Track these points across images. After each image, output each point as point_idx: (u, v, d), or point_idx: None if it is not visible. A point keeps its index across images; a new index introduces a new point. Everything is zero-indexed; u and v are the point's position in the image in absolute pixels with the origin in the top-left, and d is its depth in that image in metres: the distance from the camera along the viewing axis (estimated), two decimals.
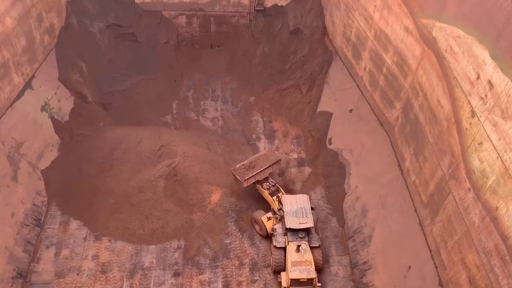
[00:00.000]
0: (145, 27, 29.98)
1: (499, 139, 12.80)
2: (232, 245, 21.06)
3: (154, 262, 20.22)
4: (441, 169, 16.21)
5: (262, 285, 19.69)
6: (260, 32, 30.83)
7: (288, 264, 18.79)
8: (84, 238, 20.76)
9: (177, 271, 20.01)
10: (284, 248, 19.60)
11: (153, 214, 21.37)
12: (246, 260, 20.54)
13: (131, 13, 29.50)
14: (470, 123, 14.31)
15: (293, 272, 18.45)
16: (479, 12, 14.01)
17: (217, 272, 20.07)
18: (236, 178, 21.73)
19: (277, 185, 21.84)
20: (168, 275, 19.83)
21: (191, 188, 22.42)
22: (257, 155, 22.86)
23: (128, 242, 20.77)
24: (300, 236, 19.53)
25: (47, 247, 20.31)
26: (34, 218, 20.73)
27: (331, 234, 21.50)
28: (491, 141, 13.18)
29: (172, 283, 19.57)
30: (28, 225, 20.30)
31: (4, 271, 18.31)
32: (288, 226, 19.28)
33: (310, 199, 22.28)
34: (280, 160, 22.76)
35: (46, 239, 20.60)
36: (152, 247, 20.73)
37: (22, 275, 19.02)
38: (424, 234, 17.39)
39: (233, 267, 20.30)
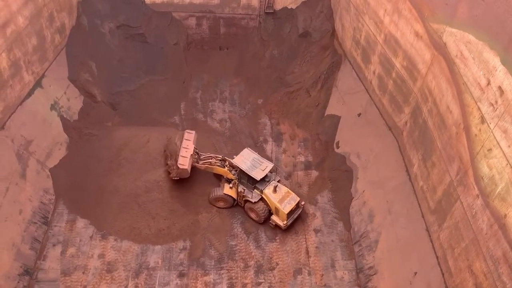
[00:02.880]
0: (155, 28, 30.14)
1: (509, 146, 12.68)
2: (238, 247, 21.05)
3: (160, 262, 20.26)
4: (449, 175, 16.09)
5: None
6: (269, 34, 30.86)
7: (277, 205, 20.85)
8: (91, 237, 20.86)
9: (182, 271, 20.04)
10: (261, 199, 21.37)
11: (159, 215, 21.44)
12: (251, 262, 20.51)
13: (141, 14, 29.69)
14: (480, 129, 14.19)
15: (285, 207, 20.82)
16: (490, 18, 13.91)
17: (222, 273, 20.07)
18: (178, 175, 21.21)
19: (224, 157, 22.51)
20: (173, 275, 19.86)
21: (198, 189, 22.46)
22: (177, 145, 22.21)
23: (134, 242, 20.84)
24: (267, 180, 21.48)
25: (54, 245, 20.43)
26: (41, 216, 20.88)
27: (337, 238, 21.42)
28: (500, 148, 13.06)
29: (177, 283, 19.59)
30: (35, 223, 20.44)
31: (11, 268, 18.44)
32: (258, 179, 20.68)
33: (317, 203, 22.36)
34: (194, 132, 22.60)
35: (53, 237, 20.73)
36: (157, 247, 20.78)
37: (29, 272, 19.15)
38: (431, 240, 17.25)
39: (238, 269, 20.28)
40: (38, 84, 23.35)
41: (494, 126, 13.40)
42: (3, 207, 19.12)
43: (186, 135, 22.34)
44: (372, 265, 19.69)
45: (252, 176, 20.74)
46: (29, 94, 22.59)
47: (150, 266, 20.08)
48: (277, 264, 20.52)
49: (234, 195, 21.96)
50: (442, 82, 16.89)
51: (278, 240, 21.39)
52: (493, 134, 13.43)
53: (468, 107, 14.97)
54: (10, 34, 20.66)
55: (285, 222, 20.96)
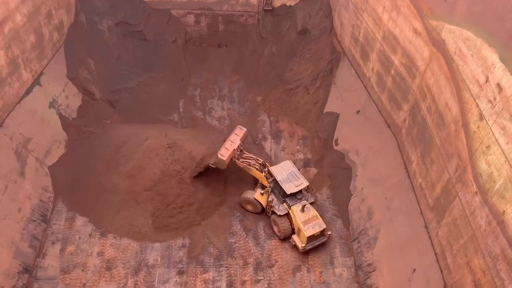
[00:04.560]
0: (153, 25, 30.08)
1: (507, 143, 12.70)
2: (237, 245, 21.08)
3: (159, 260, 20.29)
4: (448, 172, 16.12)
5: (266, 285, 19.69)
6: (268, 32, 30.82)
7: (300, 225, 20.06)
8: (90, 235, 20.88)
9: (182, 269, 20.07)
10: (287, 215, 20.77)
11: (158, 212, 21.45)
12: (251, 260, 20.55)
13: (139, 11, 29.61)
14: (478, 126, 14.21)
15: (308, 230, 19.91)
16: (489, 15, 13.91)
17: (221, 271, 20.10)
18: (215, 164, 21.66)
19: (265, 162, 22.36)
20: (172, 273, 19.89)
21: (197, 188, 22.45)
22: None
23: (133, 240, 20.86)
24: (298, 197, 20.92)
25: (53, 243, 20.45)
26: (40, 214, 20.88)
27: (336, 235, 21.46)
28: (499, 145, 13.08)
29: (176, 281, 19.63)
30: (34, 221, 20.44)
31: (11, 265, 18.45)
32: (289, 192, 20.24)
33: (316, 200, 22.35)
34: (246, 130, 23.14)
35: (52, 235, 20.74)
36: (157, 245, 20.81)
37: (28, 270, 19.17)
38: (430, 237, 17.29)
39: (237, 266, 20.32)
40: (36, 82, 23.30)
41: (493, 123, 13.41)
42: (2, 205, 19.11)
43: (237, 130, 22.90)
44: (371, 262, 19.74)
45: (284, 188, 20.30)
46: (28, 92, 22.54)
47: (149, 264, 20.11)
48: (276, 261, 20.56)
49: (263, 202, 21.55)
50: (440, 79, 16.90)
51: (277, 238, 21.41)
52: (492, 131, 13.45)
53: (466, 104, 14.98)
54: (8, 31, 20.60)
55: (303, 245, 20.12)
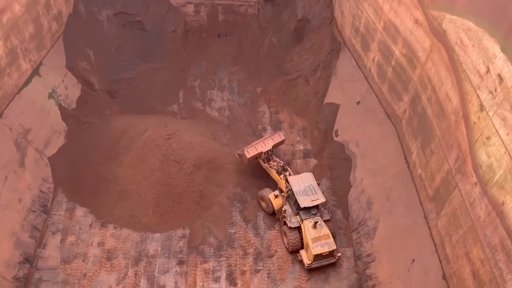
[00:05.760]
0: (152, 15, 29.88)
1: (508, 134, 12.68)
2: (237, 235, 21.16)
3: (159, 250, 20.38)
4: (447, 163, 16.12)
5: (265, 275, 19.80)
6: (268, 22, 30.62)
7: (309, 241, 19.29)
8: (90, 225, 20.94)
9: (182, 259, 20.16)
10: (298, 228, 20.05)
11: (158, 203, 21.50)
12: (250, 250, 20.64)
13: (138, 1, 29.36)
14: (479, 117, 14.18)
15: (316, 248, 19.12)
16: (491, 5, 13.80)
17: (221, 261, 20.20)
18: (239, 155, 22.30)
19: (286, 166, 22.07)
20: (172, 263, 19.99)
21: (198, 178, 22.47)
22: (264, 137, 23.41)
23: (133, 230, 20.93)
24: (313, 212, 19.99)
25: (53, 233, 20.52)
26: (40, 204, 20.93)
27: (335, 226, 21.50)
28: (499, 136, 13.06)
29: (176, 271, 19.73)
30: (34, 211, 20.50)
31: (12, 255, 18.54)
32: (302, 206, 19.51)
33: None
34: (284, 139, 23.30)
35: (52, 225, 20.80)
36: (157, 235, 20.88)
37: (29, 260, 19.27)
38: (429, 228, 17.35)
39: (237, 256, 20.42)
40: (35, 72, 23.20)
41: (493, 114, 13.38)
42: (2, 196, 19.15)
43: (275, 135, 23.03)
44: (370, 253, 19.83)
45: (299, 201, 19.56)
46: (27, 82, 22.46)
47: (149, 254, 20.20)
48: (276, 251, 20.65)
49: (275, 205, 21.05)
50: (441, 70, 16.83)
51: (276, 228, 21.48)
52: (492, 122, 13.42)
53: (467, 95, 14.93)
54: (7, 21, 20.46)
55: (309, 262, 19.35)
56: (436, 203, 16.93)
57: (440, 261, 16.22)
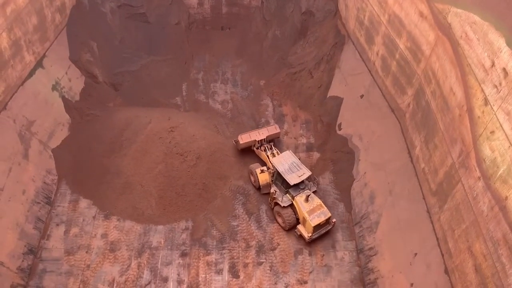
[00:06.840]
0: (156, 7, 29.79)
1: None
2: (239, 228, 21.24)
3: (162, 242, 20.48)
4: (451, 157, 16.08)
5: (268, 267, 19.89)
6: (272, 14, 30.48)
7: (305, 215, 20.01)
8: (93, 217, 21.06)
9: (185, 251, 20.27)
10: (290, 205, 20.76)
11: (161, 195, 21.58)
12: (253, 243, 20.72)
13: None
14: (483, 111, 14.12)
15: (313, 220, 19.88)
16: None
17: (224, 253, 20.29)
18: (235, 142, 23.65)
19: (275, 149, 23.08)
20: (175, 255, 20.10)
21: (201, 171, 22.52)
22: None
23: (136, 222, 21.04)
24: (301, 187, 20.82)
25: (57, 225, 20.65)
26: (44, 196, 21.04)
27: (338, 219, 21.54)
28: (503, 130, 13.01)
29: (179, 263, 19.84)
30: (38, 203, 20.62)
31: (16, 246, 18.69)
32: (292, 183, 20.22)
33: (318, 184, 22.41)
34: (279, 132, 24.31)
35: (56, 217, 20.93)
36: (160, 227, 20.99)
37: (33, 251, 19.41)
38: (432, 222, 17.35)
39: (240, 249, 20.50)
40: (39, 64, 23.22)
41: (498, 108, 13.32)
42: (7, 187, 19.26)
43: (271, 127, 24.29)
44: (372, 246, 19.87)
45: (287, 179, 20.21)
46: (30, 74, 22.49)
47: (152, 246, 20.31)
48: (278, 244, 20.72)
49: (261, 180, 21.86)
50: (446, 64, 16.73)
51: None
52: (496, 116, 13.36)
53: (471, 89, 14.85)
54: (10, 13, 20.45)
55: (310, 234, 20.06)
56: (439, 197, 16.92)
57: (442, 255, 16.24)
